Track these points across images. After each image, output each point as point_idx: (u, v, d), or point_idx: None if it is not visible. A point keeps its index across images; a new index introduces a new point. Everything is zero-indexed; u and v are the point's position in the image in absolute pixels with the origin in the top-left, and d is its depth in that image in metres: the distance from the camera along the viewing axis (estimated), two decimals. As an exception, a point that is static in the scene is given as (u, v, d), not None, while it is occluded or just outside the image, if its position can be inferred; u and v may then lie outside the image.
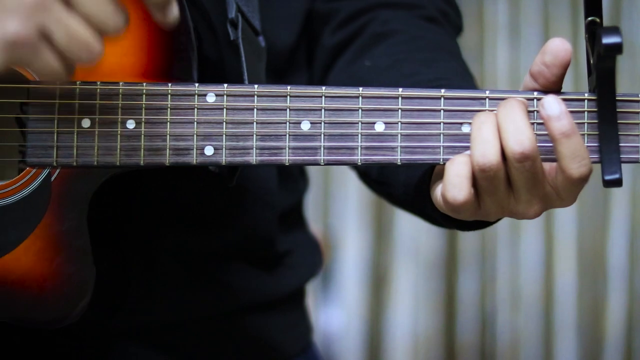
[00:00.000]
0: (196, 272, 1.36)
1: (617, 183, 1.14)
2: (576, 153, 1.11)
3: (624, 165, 3.76)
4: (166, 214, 1.34)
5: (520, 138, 1.11)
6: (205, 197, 1.35)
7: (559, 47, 1.13)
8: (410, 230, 3.73)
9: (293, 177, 1.50)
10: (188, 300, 1.36)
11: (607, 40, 1.10)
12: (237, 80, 1.26)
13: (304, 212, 1.55)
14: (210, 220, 1.36)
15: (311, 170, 3.96)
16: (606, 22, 3.79)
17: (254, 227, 1.40)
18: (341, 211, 3.76)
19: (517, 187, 1.14)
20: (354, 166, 1.42)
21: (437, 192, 1.18)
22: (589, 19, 1.13)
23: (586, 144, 1.14)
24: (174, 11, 1.10)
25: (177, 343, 1.37)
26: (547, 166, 1.14)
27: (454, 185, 1.13)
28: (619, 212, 3.66)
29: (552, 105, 1.12)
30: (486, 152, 1.12)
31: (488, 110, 1.16)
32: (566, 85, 1.18)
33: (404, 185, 1.28)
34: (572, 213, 3.68)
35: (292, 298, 1.48)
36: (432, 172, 1.21)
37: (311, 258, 1.52)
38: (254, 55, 1.30)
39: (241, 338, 1.41)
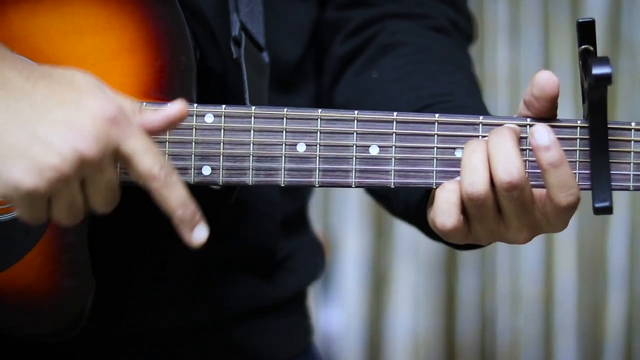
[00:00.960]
0: (195, 281, 1.36)
1: (607, 211, 1.15)
2: (564, 183, 1.12)
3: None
4: (168, 227, 1.34)
5: (509, 167, 1.12)
6: (207, 211, 1.35)
7: (546, 80, 1.14)
8: (410, 230, 3.70)
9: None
10: (185, 309, 1.36)
11: (597, 70, 1.11)
12: (239, 94, 1.28)
13: (308, 215, 1.55)
14: (212, 234, 1.37)
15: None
16: (606, 21, 3.78)
17: (256, 240, 1.40)
18: (341, 211, 3.76)
19: (506, 214, 1.15)
20: None
21: (431, 214, 1.20)
22: (582, 47, 1.14)
23: (577, 171, 1.16)
24: (202, 233, 1.11)
25: (175, 352, 1.37)
26: (537, 193, 1.16)
27: (443, 212, 1.15)
28: (619, 212, 3.66)
29: (541, 135, 1.13)
30: (475, 181, 1.14)
31: (481, 136, 1.18)
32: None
33: (405, 202, 1.30)
34: (572, 213, 3.68)
35: (292, 301, 1.48)
36: (429, 194, 1.22)
37: (313, 260, 1.52)
38: (257, 72, 1.31)
39: (238, 344, 1.41)
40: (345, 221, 3.75)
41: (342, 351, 3.74)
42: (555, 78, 1.14)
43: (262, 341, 1.43)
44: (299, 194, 1.51)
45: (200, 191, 1.28)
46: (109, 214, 1.25)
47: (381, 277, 3.75)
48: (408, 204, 1.29)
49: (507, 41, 3.67)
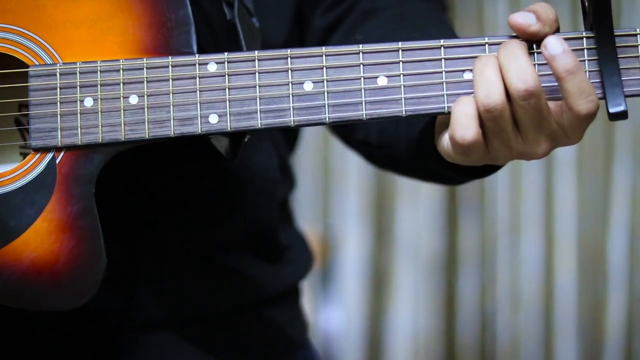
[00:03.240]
0: (204, 263, 1.37)
1: (623, 115, 1.14)
2: (582, 89, 1.12)
3: (625, 162, 3.75)
4: (171, 205, 1.35)
5: (524, 75, 1.12)
6: (209, 187, 1.36)
7: (517, 24, 1.14)
8: (410, 230, 3.73)
9: (287, 169, 1.51)
10: (196, 293, 1.37)
11: None
12: None
13: (293, 207, 1.56)
14: (216, 210, 1.37)
15: (311, 171, 3.98)
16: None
17: (259, 217, 1.41)
18: (341, 211, 3.76)
19: (523, 126, 1.14)
20: (347, 134, 1.42)
21: (444, 139, 1.18)
22: None
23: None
24: None
25: (184, 335, 1.38)
26: (553, 105, 1.15)
27: (462, 125, 1.14)
28: (619, 212, 3.66)
29: (554, 44, 1.12)
30: (490, 92, 1.13)
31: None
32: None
33: (406, 142, 1.28)
34: (572, 213, 3.69)
35: (290, 294, 1.49)
36: (434, 124, 1.21)
37: (306, 254, 1.53)
38: (250, 35, 1.30)
39: (250, 330, 1.42)
40: (345, 221, 3.75)
41: (342, 351, 3.74)
42: (520, 16, 1.14)
43: (268, 329, 1.44)
44: (290, 179, 1.51)
45: (203, 157, 1.28)
46: (113, 191, 1.26)
47: (381, 277, 3.76)
48: (409, 143, 1.27)
49: (507, 41, 3.67)
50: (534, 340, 3.70)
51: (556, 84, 1.13)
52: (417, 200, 3.69)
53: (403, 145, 1.29)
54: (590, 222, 3.68)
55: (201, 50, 1.22)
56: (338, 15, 1.45)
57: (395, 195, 3.74)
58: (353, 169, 3.70)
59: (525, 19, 1.14)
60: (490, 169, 1.23)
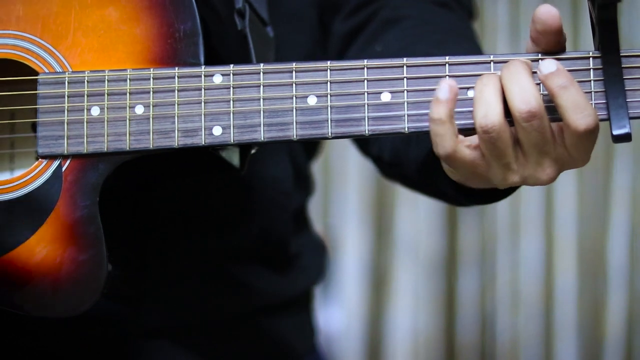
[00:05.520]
0: (212, 272, 1.37)
1: (627, 138, 1.13)
2: (577, 103, 1.10)
3: (625, 163, 3.75)
4: (183, 215, 1.35)
5: (526, 97, 1.11)
6: (222, 198, 1.36)
7: (546, 14, 1.12)
8: (410, 230, 3.73)
9: (305, 177, 1.50)
10: (204, 301, 1.37)
11: None
12: None
13: (308, 213, 1.56)
14: (227, 221, 1.37)
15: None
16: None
17: (270, 228, 1.41)
18: (341, 211, 3.76)
19: (526, 148, 1.13)
20: (364, 145, 1.42)
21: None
22: None
23: (593, 102, 1.14)
24: None
25: (192, 343, 1.38)
26: (555, 126, 1.14)
27: (436, 144, 1.13)
28: (619, 212, 3.66)
29: (548, 64, 1.11)
30: (488, 113, 1.12)
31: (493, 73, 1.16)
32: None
33: (415, 162, 1.28)
34: (572, 213, 3.68)
35: (302, 300, 1.49)
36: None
37: (319, 259, 1.53)
38: (262, 44, 1.30)
39: (255, 338, 1.42)
40: (345, 221, 3.75)
41: (342, 351, 3.74)
42: (555, 9, 1.13)
43: (277, 337, 1.44)
44: (306, 187, 1.51)
45: (211, 167, 1.28)
46: (121, 199, 1.27)
47: (381, 277, 3.75)
48: (418, 163, 1.28)
49: (507, 41, 3.67)
50: (534, 340, 3.70)
51: None
52: (417, 200, 3.69)
53: (413, 165, 1.29)
54: (590, 222, 3.68)
55: (214, 59, 1.23)
56: (359, 23, 1.44)
57: (395, 196, 3.74)
58: (353, 169, 3.70)
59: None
60: (498, 194, 1.22)
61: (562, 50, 1.15)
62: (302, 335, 1.49)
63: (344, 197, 3.75)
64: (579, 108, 1.11)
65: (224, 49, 1.28)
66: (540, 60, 1.13)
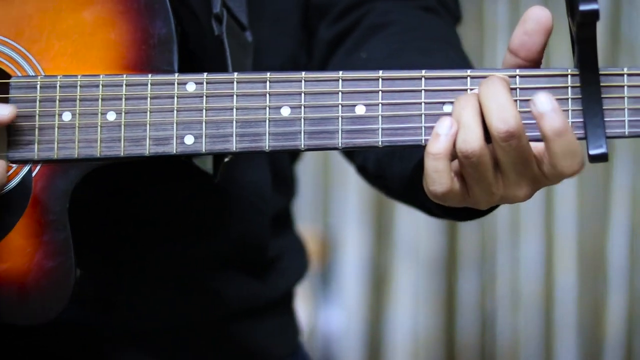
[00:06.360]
0: (188, 278, 1.35)
1: (603, 158, 1.09)
2: (569, 151, 1.08)
3: (625, 163, 3.76)
4: (156, 221, 1.33)
5: (505, 116, 1.08)
6: (197, 204, 1.34)
7: (539, 13, 1.10)
8: (410, 230, 3.73)
9: (286, 181, 1.48)
10: (179, 307, 1.35)
11: (584, 7, 1.07)
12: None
13: (293, 213, 1.54)
14: (203, 227, 1.36)
15: (311, 170, 3.97)
16: (606, 21, 3.78)
17: (247, 234, 1.38)
18: (341, 211, 3.76)
19: (504, 169, 1.11)
20: (342, 153, 1.40)
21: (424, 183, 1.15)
22: None
23: (570, 120, 1.11)
24: None
25: (168, 349, 1.36)
26: (535, 149, 1.11)
27: (433, 180, 1.11)
28: (619, 212, 3.66)
29: (543, 102, 1.08)
30: (468, 138, 1.09)
31: (469, 89, 1.13)
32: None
33: (399, 178, 1.26)
34: (572, 213, 3.69)
35: (282, 302, 1.47)
36: (422, 163, 1.17)
37: (300, 260, 1.51)
38: (240, 50, 1.29)
39: (232, 343, 1.40)
40: (345, 221, 3.75)
41: (342, 351, 3.74)
42: (548, 10, 1.10)
43: (255, 341, 1.42)
44: (287, 190, 1.49)
45: (185, 174, 1.27)
46: (91, 205, 1.25)
47: (381, 277, 3.75)
48: (402, 179, 1.25)
49: (507, 41, 3.66)
50: (534, 340, 3.70)
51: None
52: (417, 200, 3.69)
53: (397, 180, 1.27)
54: (590, 222, 3.68)
55: (193, 63, 1.21)
56: (345, 28, 1.42)
57: (395, 195, 3.74)
58: (353, 169, 3.70)
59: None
60: (477, 213, 1.20)
61: (539, 64, 1.13)
62: (284, 337, 1.47)
63: (344, 197, 3.75)
64: (569, 155, 1.08)
65: (203, 52, 1.26)
66: (534, 95, 1.10)
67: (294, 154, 1.50)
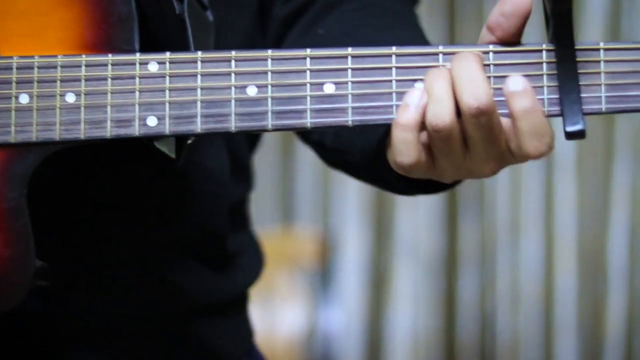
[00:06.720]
0: (148, 266, 1.32)
1: (580, 135, 1.08)
2: (536, 130, 1.07)
3: (625, 162, 3.76)
4: (115, 206, 1.30)
5: (477, 92, 1.06)
6: (156, 188, 1.31)
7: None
8: (410, 230, 3.73)
9: (245, 170, 1.46)
10: (138, 299, 1.32)
11: None
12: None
13: (249, 211, 1.52)
14: (165, 211, 1.32)
15: (311, 171, 3.97)
16: (606, 21, 3.79)
17: (205, 220, 1.35)
18: (341, 211, 3.76)
19: (472, 144, 1.09)
20: (304, 131, 1.38)
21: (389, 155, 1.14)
22: None
23: (545, 97, 1.09)
24: None
25: (124, 345, 1.33)
26: (505, 123, 1.09)
27: (401, 152, 1.09)
28: (619, 212, 3.66)
29: (516, 81, 1.07)
30: (438, 112, 1.07)
31: (441, 66, 1.11)
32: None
33: (361, 150, 1.23)
34: (572, 213, 3.68)
35: (240, 300, 1.45)
36: (387, 134, 1.15)
37: (257, 260, 1.49)
38: (202, 30, 1.26)
39: (191, 341, 1.38)
40: (345, 221, 3.75)
41: (342, 351, 3.74)
42: None
43: (213, 339, 1.40)
44: (245, 179, 1.47)
45: (146, 157, 1.23)
46: (50, 189, 1.22)
47: (381, 277, 3.75)
48: (365, 151, 1.22)
49: (507, 41, 3.67)
50: (534, 340, 3.70)
51: None
52: (417, 200, 3.69)
53: (357, 153, 1.24)
54: (590, 222, 3.68)
55: (153, 44, 1.18)
56: (299, 6, 1.38)
57: (395, 196, 3.74)
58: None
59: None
60: (439, 187, 1.18)
61: (518, 42, 1.10)
62: (239, 337, 1.45)
63: (344, 197, 3.75)
64: (537, 135, 1.07)
65: (163, 33, 1.22)
66: (509, 76, 1.08)
67: (252, 142, 1.47)
